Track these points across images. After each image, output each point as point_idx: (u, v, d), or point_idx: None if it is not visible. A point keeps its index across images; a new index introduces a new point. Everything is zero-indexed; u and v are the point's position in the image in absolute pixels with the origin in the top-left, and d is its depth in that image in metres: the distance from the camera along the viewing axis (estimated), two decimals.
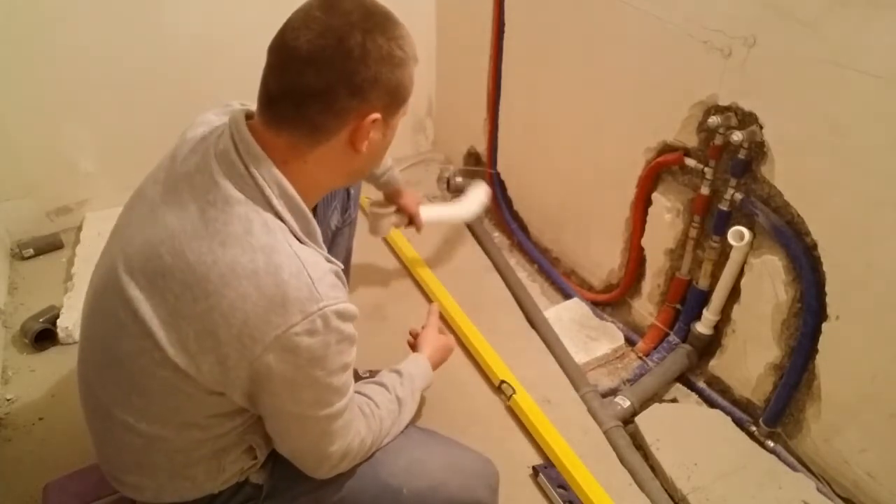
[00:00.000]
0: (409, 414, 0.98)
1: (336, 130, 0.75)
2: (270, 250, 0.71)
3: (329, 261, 0.78)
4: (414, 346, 1.19)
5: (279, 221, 0.74)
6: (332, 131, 0.75)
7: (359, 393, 0.93)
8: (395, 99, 0.77)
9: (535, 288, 1.86)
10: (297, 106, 0.73)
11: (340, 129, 0.75)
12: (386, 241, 1.91)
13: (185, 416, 0.79)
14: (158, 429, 0.80)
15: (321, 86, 0.72)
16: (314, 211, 1.14)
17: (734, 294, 1.37)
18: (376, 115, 0.75)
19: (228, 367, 0.72)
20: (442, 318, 1.43)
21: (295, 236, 0.75)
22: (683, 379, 1.53)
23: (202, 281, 0.71)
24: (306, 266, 0.72)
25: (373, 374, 1.43)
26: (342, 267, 0.80)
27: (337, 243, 1.28)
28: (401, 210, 1.56)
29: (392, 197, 1.54)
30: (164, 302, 0.73)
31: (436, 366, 1.13)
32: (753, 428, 1.37)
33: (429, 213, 1.65)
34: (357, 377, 1.39)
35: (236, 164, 0.74)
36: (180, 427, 0.79)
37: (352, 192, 1.27)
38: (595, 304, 1.76)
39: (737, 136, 1.21)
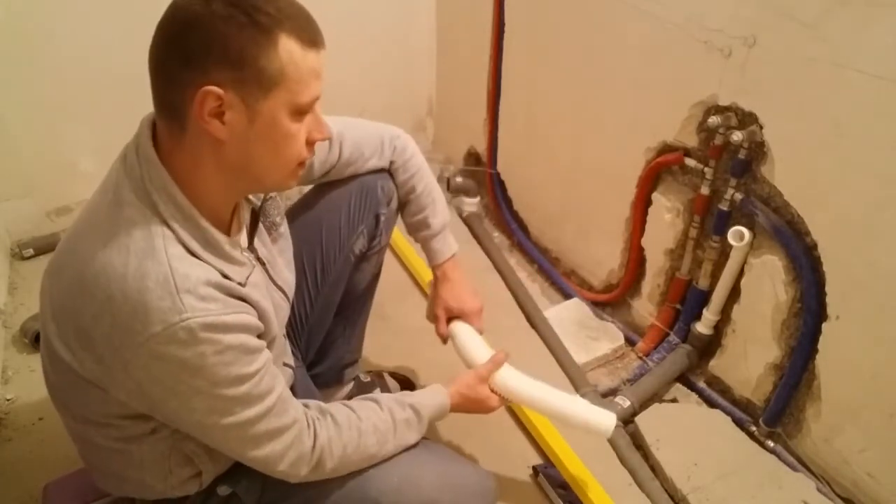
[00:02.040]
0: (408, 438, 0.94)
1: (184, 109, 0.70)
2: (143, 256, 0.69)
3: (225, 276, 0.74)
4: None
5: (165, 228, 0.72)
6: (181, 110, 0.70)
7: (343, 404, 0.91)
8: (242, 72, 0.68)
9: (535, 288, 1.86)
10: (153, 84, 0.72)
11: (187, 107, 0.69)
12: None
13: (93, 414, 0.79)
14: (80, 425, 0.81)
15: (160, 58, 0.70)
16: (322, 231, 1.13)
17: (734, 294, 1.37)
18: (211, 88, 0.67)
19: (107, 367, 0.71)
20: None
21: (184, 245, 0.72)
22: (683, 379, 1.53)
23: (80, 279, 0.71)
24: (175, 275, 0.69)
25: (374, 375, 1.44)
26: (240, 282, 0.76)
27: (361, 269, 1.21)
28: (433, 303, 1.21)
29: (433, 277, 1.21)
30: (56, 296, 0.75)
31: (457, 409, 1.04)
32: (753, 428, 1.37)
33: (472, 347, 1.14)
34: (358, 381, 1.40)
35: (134, 167, 0.74)
36: (97, 426, 0.80)
37: (382, 218, 1.16)
38: (595, 304, 1.76)
39: (737, 136, 1.21)
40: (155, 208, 0.72)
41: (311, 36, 0.72)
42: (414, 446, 0.95)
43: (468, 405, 1.06)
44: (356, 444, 0.87)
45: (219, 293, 0.72)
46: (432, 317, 1.23)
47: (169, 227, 0.72)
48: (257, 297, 0.79)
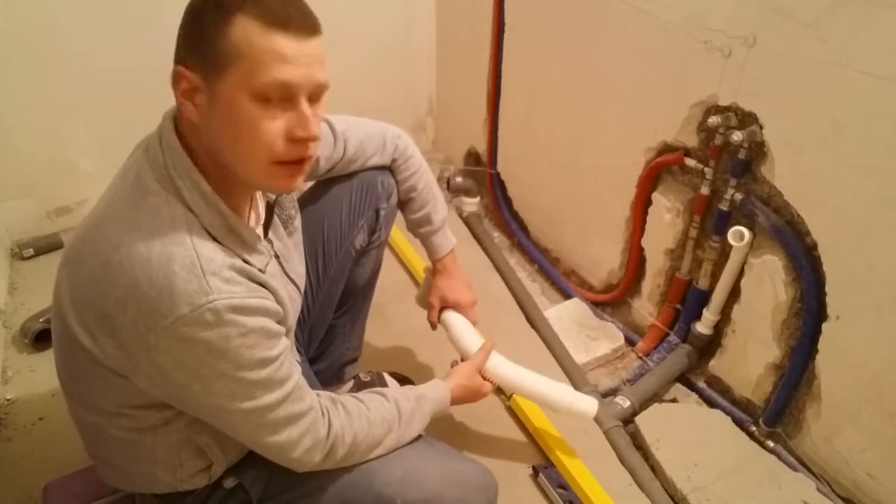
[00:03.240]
0: (412, 429, 0.96)
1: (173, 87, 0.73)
2: (169, 241, 0.71)
3: (246, 262, 0.76)
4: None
5: (189, 214, 0.73)
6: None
7: (352, 396, 0.93)
8: (201, 51, 0.69)
9: (535, 288, 1.86)
10: None
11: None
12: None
13: (108, 404, 0.80)
14: (93, 416, 0.82)
15: None
16: (323, 226, 1.15)
17: (734, 294, 1.37)
18: (178, 67, 0.71)
19: (129, 353, 0.72)
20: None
21: (207, 231, 0.74)
22: (683, 379, 1.53)
23: (104, 265, 0.71)
24: (200, 259, 0.70)
25: (373, 374, 1.44)
26: (260, 268, 0.78)
27: (361, 264, 1.23)
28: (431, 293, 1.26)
29: (434, 269, 1.26)
30: (76, 283, 0.75)
31: (458, 401, 1.08)
32: (753, 428, 1.37)
33: (465, 337, 1.21)
34: (358, 380, 1.40)
35: (157, 156, 0.75)
36: (111, 416, 0.80)
37: (382, 213, 1.18)
38: (595, 304, 1.76)
39: (737, 136, 1.21)
40: (179, 194, 0.73)
41: (279, 17, 0.69)
42: (417, 439, 0.97)
43: (467, 396, 1.10)
44: (365, 433, 0.89)
45: (242, 277, 0.74)
46: (424, 303, 1.29)
47: (193, 213, 0.74)
48: (276, 285, 0.81)
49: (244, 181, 0.77)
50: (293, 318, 0.90)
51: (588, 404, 1.21)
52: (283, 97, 0.71)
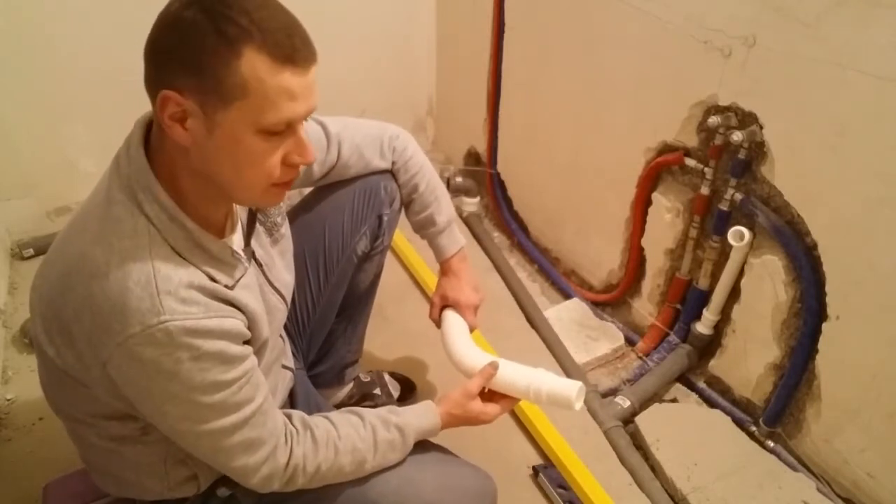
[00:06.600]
0: (387, 457, 0.90)
1: (154, 105, 0.69)
2: (127, 255, 0.69)
3: (212, 278, 0.74)
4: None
5: (151, 227, 0.71)
6: (154, 106, 0.69)
7: (326, 417, 0.89)
8: (202, 80, 0.66)
9: (535, 288, 1.86)
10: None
11: (155, 104, 0.68)
12: None
13: (81, 413, 0.79)
14: (73, 424, 0.82)
15: (144, 56, 0.69)
16: (325, 232, 1.13)
17: (734, 294, 1.37)
18: (168, 92, 0.66)
19: (86, 365, 0.71)
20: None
21: (170, 246, 0.72)
22: (683, 379, 1.53)
23: (66, 275, 0.71)
24: (157, 276, 0.69)
25: (374, 375, 1.44)
26: (227, 284, 0.76)
27: (364, 269, 1.21)
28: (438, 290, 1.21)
29: (440, 270, 1.22)
30: (44, 292, 0.75)
31: (451, 426, 0.99)
32: (753, 428, 1.37)
33: (460, 341, 1.12)
34: (359, 381, 1.40)
35: (123, 166, 0.74)
36: (85, 426, 0.80)
37: (385, 219, 1.16)
38: (595, 304, 1.76)
39: (737, 136, 1.21)
40: (141, 208, 0.72)
41: (288, 52, 0.66)
42: (414, 448, 0.94)
43: (460, 422, 0.99)
44: (331, 462, 0.85)
45: (202, 296, 0.72)
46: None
47: (155, 226, 0.72)
48: (247, 299, 0.78)
49: (237, 201, 0.79)
50: (273, 329, 0.88)
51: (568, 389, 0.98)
52: (287, 129, 0.71)
